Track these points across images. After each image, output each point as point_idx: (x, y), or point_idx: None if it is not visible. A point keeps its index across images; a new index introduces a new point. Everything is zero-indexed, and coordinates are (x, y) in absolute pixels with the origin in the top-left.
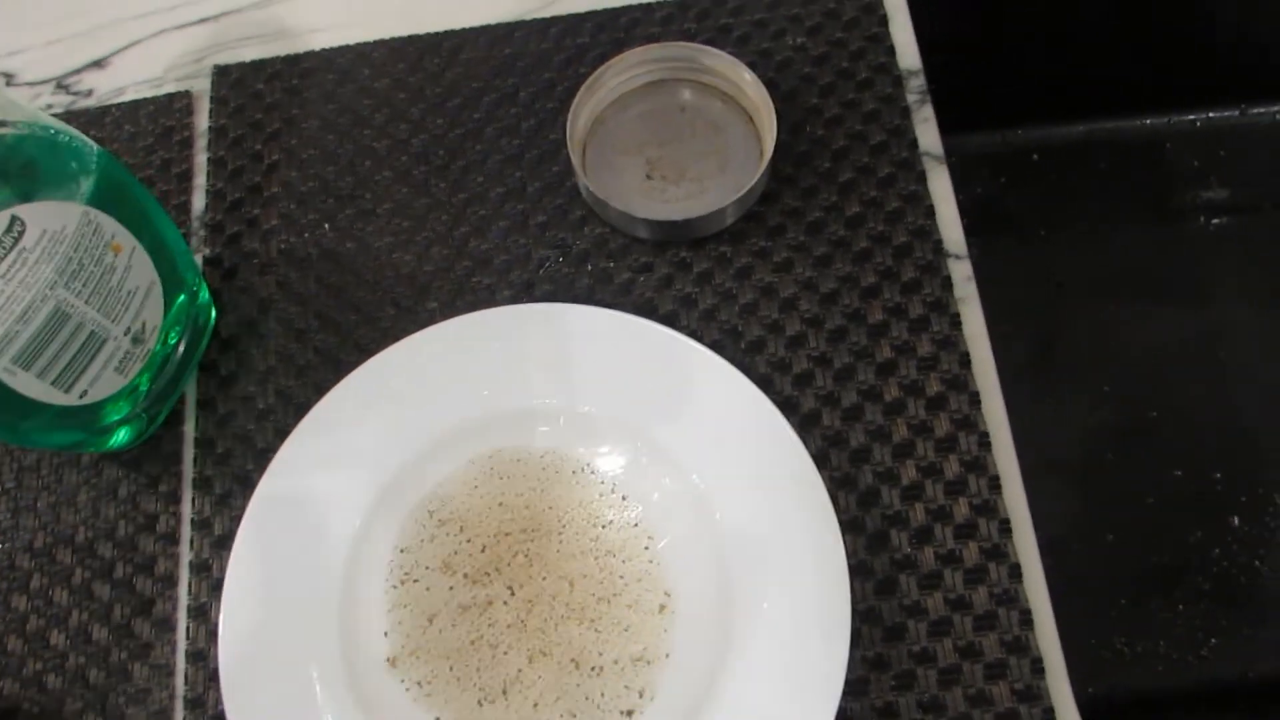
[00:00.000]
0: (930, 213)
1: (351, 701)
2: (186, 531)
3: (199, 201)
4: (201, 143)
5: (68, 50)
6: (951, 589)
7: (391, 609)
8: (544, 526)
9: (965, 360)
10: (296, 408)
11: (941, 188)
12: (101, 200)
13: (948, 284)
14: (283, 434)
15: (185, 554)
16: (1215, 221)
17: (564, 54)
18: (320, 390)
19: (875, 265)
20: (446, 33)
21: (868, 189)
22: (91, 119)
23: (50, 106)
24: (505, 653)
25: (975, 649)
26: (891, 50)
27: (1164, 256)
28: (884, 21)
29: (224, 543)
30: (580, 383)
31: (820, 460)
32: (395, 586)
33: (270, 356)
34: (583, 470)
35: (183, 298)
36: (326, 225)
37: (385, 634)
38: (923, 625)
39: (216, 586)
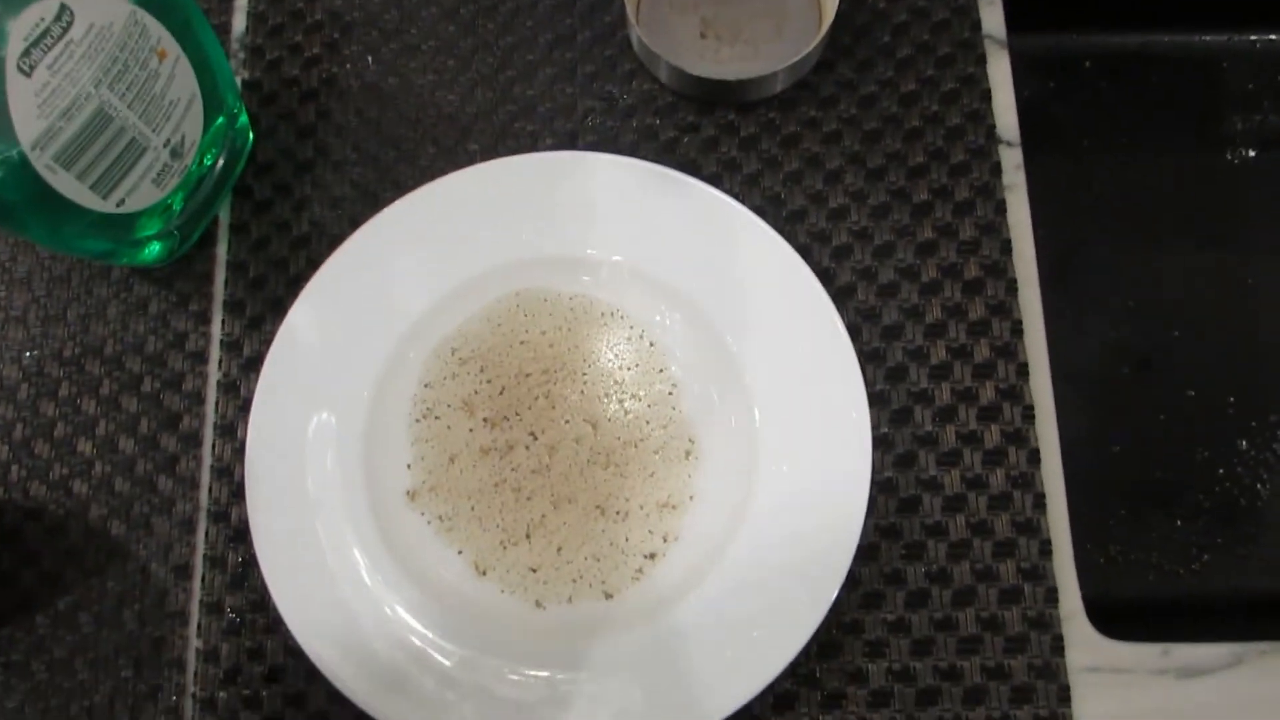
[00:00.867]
0: (986, 96)
1: (373, 526)
2: (215, 352)
3: (239, 23)
4: None
5: None
6: (970, 467)
7: (414, 443)
8: (567, 366)
9: (1006, 247)
10: (330, 239)
11: (1000, 73)
12: (149, 2)
13: (997, 170)
14: (315, 263)
15: (214, 373)
16: (1261, 151)
17: None
18: (355, 223)
19: (925, 145)
20: None
21: (925, 67)
22: None
23: None
24: (529, 498)
25: (986, 526)
26: None
27: (1204, 180)
28: None
29: (253, 365)
30: (617, 234)
31: (852, 333)
32: (418, 420)
33: (306, 185)
34: (613, 315)
35: (221, 119)
36: (369, 58)
37: (408, 466)
38: (938, 500)
39: (244, 407)
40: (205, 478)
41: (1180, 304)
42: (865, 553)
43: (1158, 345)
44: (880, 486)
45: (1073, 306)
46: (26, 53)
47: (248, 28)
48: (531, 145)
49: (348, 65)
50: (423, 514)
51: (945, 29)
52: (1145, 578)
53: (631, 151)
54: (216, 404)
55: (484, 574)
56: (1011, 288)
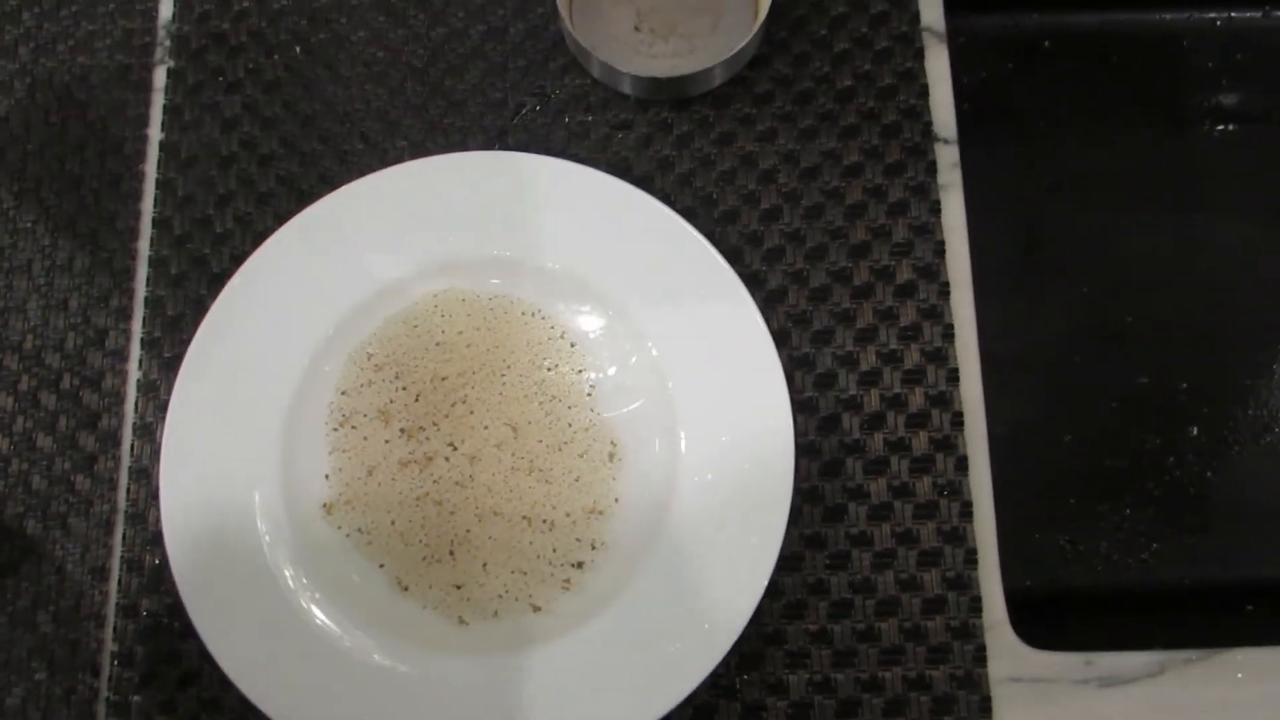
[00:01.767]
0: (924, 92)
1: (291, 538)
2: (135, 350)
3: (166, 9)
4: None
5: None
6: (897, 475)
7: (332, 452)
8: (486, 368)
9: (940, 249)
10: (255, 235)
11: (939, 67)
12: None
13: (932, 169)
14: (239, 260)
15: (133, 372)
16: (1221, 129)
17: None
18: (280, 219)
19: (861, 143)
20: None
21: (862, 62)
22: None
23: None
24: (452, 513)
25: (912, 535)
26: None
27: (1163, 161)
28: None
29: (173, 364)
30: (541, 236)
31: (781, 338)
32: (335, 429)
33: (231, 180)
34: (534, 315)
35: None
36: (298, 48)
37: (326, 477)
38: (864, 508)
39: (164, 408)
40: (123, 478)
41: (1138, 288)
42: (789, 562)
43: (1114, 331)
44: (806, 495)
45: (1029, 289)
46: None
47: (174, 14)
48: (461, 142)
49: (275, 55)
50: (340, 527)
51: (883, 22)
52: (1094, 567)
53: (562, 149)
54: (136, 404)
55: (406, 590)
56: (944, 291)
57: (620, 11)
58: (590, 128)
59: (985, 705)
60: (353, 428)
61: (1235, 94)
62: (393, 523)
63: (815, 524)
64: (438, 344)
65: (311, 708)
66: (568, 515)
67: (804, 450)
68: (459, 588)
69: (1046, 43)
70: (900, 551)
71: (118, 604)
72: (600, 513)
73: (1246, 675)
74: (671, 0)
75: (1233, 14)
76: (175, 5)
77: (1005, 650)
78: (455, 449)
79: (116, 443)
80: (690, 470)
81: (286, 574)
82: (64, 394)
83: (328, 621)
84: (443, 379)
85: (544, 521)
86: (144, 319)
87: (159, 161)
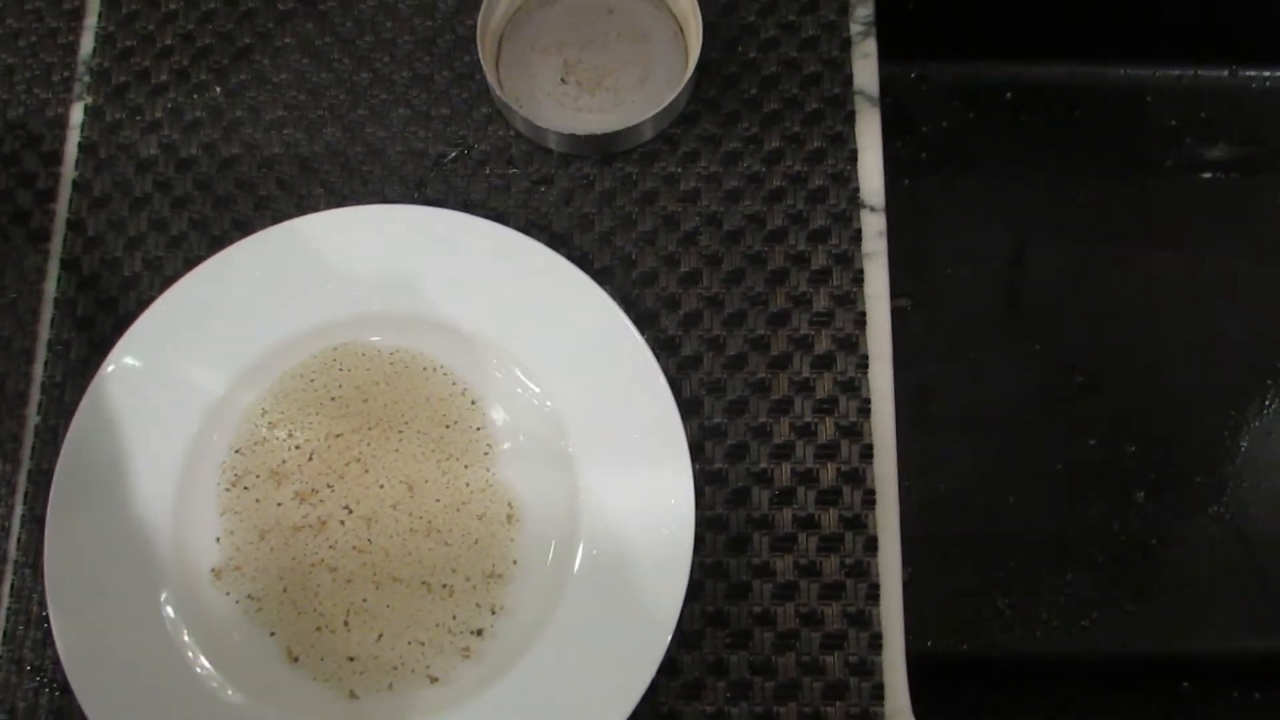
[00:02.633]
0: (853, 158)
1: (182, 599)
2: (36, 395)
3: (87, 44)
4: None
5: None
6: (804, 554)
7: (224, 514)
8: (383, 423)
9: (861, 320)
10: (164, 279)
11: (869, 132)
12: None
13: (857, 237)
14: (145, 304)
15: (32, 417)
16: (1183, 183)
17: None
18: (190, 263)
19: (786, 208)
20: None
21: (792, 124)
22: None
23: None
24: (349, 580)
25: (817, 617)
26: None
27: (1122, 216)
28: None
29: (74, 410)
30: (448, 292)
31: (693, 406)
32: (227, 490)
33: (142, 221)
34: (436, 370)
35: None
36: (218, 88)
37: (217, 540)
38: (768, 586)
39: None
40: (15, 526)
41: (1089, 348)
42: (689, 639)
43: (1060, 392)
44: (709, 570)
45: (979, 344)
46: None
47: (95, 49)
48: (379, 190)
49: (195, 95)
50: (228, 593)
51: (815, 83)
52: (1033, 632)
53: (482, 202)
54: (33, 450)
55: (296, 660)
56: (863, 364)
57: (547, 62)
58: (511, 180)
59: None
60: (245, 488)
61: (1199, 150)
62: (285, 590)
63: (718, 600)
64: (333, 399)
65: None
66: (467, 579)
67: (710, 524)
68: (352, 659)
69: (1009, 94)
70: (804, 633)
71: (3, 657)
72: (499, 576)
73: None
74: (599, 53)
75: (1199, 71)
76: (96, 40)
77: None
78: (351, 511)
79: (12, 489)
80: (590, 538)
81: (180, 638)
82: None
83: (219, 687)
84: (337, 435)
85: (444, 586)
86: (46, 362)
87: (70, 200)
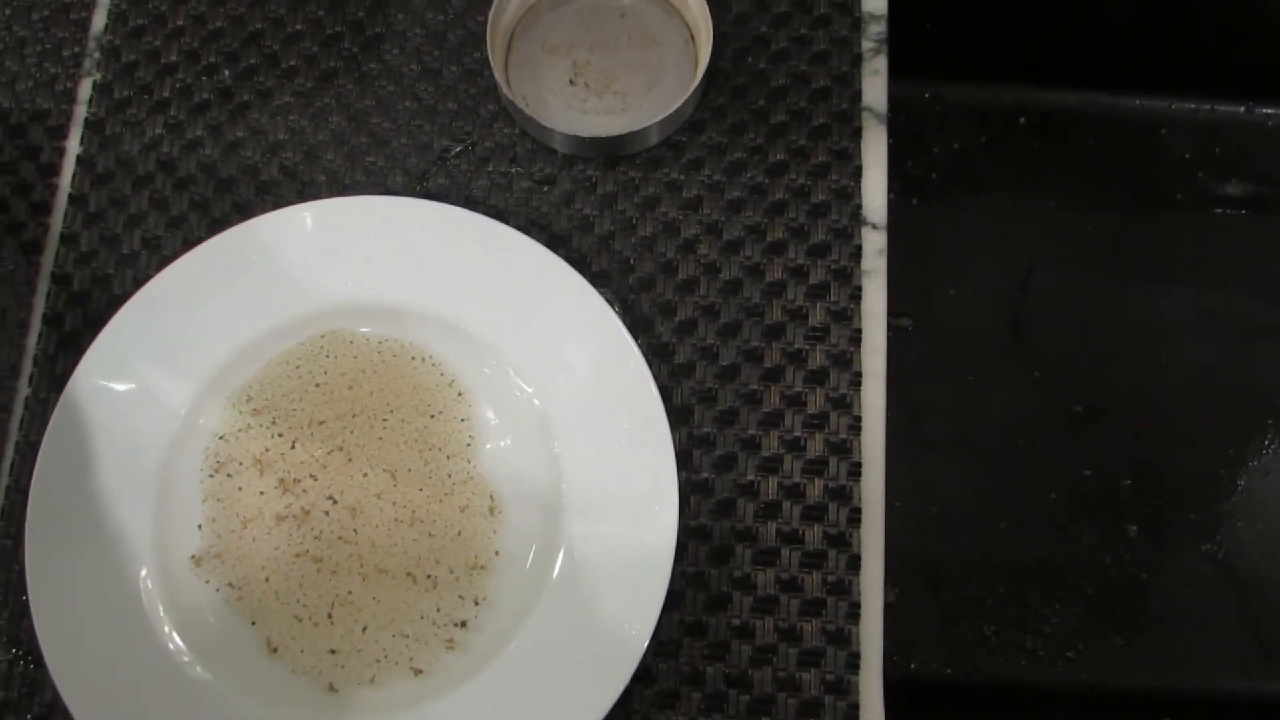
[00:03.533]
0: (857, 174)
1: (160, 587)
2: (28, 367)
3: (99, 20)
4: None
5: None
6: (787, 568)
7: (206, 500)
8: (367, 411)
9: (856, 337)
10: (161, 259)
11: (875, 149)
12: None
13: (857, 254)
14: (141, 282)
15: (23, 389)
16: (1194, 217)
17: None
18: (189, 244)
19: (787, 220)
20: None
21: (798, 137)
22: None
23: None
24: (334, 571)
25: (796, 633)
26: None
27: (1130, 247)
28: None
29: (64, 382)
30: (443, 286)
31: (683, 415)
32: (210, 476)
33: (143, 200)
34: (424, 360)
35: None
36: (227, 71)
37: (199, 527)
38: (749, 599)
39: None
40: (0, 497)
41: (1090, 377)
42: (666, 648)
43: (1057, 420)
44: (690, 580)
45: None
46: None
47: (107, 26)
48: (381, 181)
49: (204, 76)
50: (208, 581)
51: (825, 97)
52: (1017, 661)
53: (483, 199)
54: (21, 421)
55: (275, 652)
56: (855, 381)
57: (556, 63)
58: (513, 179)
59: None
60: (228, 475)
61: (1212, 185)
62: (267, 580)
63: (697, 610)
64: (318, 385)
65: None
66: (451, 571)
67: (694, 533)
68: (334, 652)
69: (1022, 118)
70: (781, 648)
71: None
72: (482, 568)
73: None
74: (609, 56)
75: (1216, 106)
76: (109, 17)
77: None
78: (335, 502)
79: None
80: (571, 540)
81: (157, 619)
82: None
83: (192, 666)
84: (320, 423)
85: (428, 578)
86: (40, 335)
87: (73, 175)
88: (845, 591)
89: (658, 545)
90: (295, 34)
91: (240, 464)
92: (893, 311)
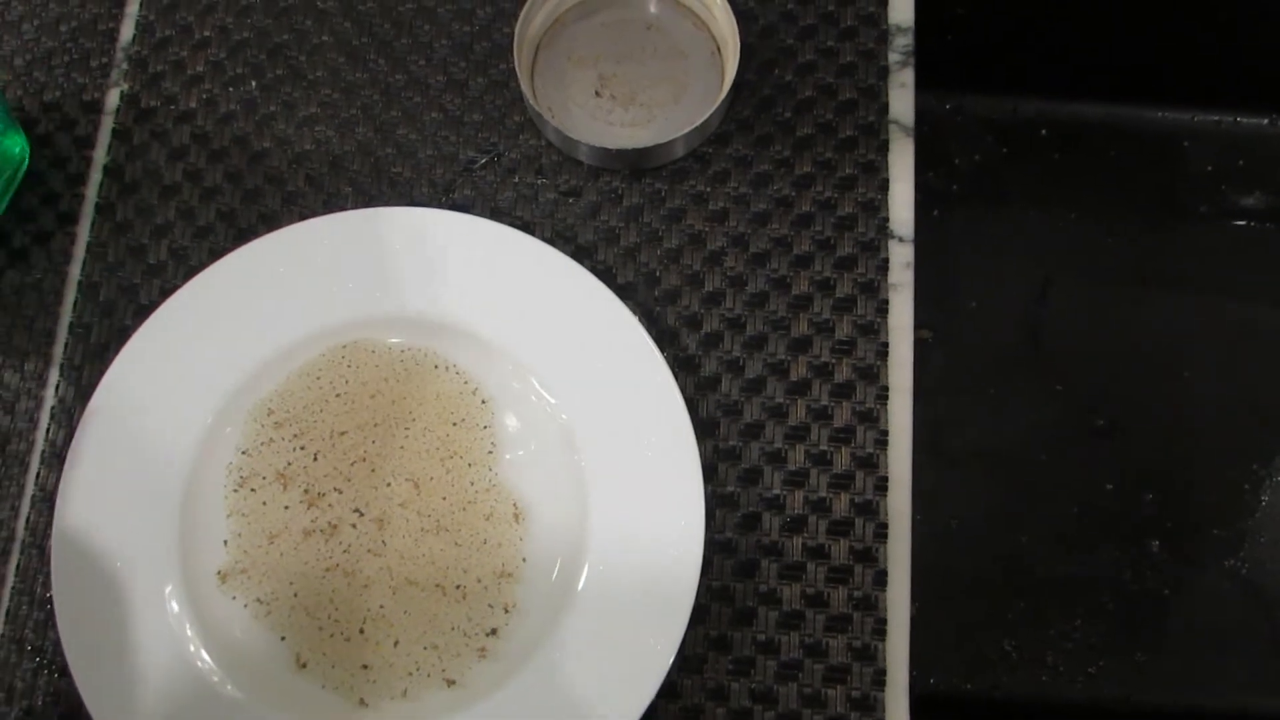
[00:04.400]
0: (884, 187)
1: (187, 604)
2: (54, 375)
3: (127, 31)
4: None
5: None
6: (812, 583)
7: (230, 516)
8: (389, 420)
9: (883, 351)
10: (188, 269)
11: (902, 162)
12: None
13: (884, 267)
14: (168, 293)
15: (50, 398)
16: (1217, 230)
17: None
18: (215, 254)
19: (814, 233)
20: None
21: (824, 149)
22: None
23: None
24: (365, 585)
25: (821, 648)
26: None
27: (1152, 260)
28: None
29: (90, 394)
30: (468, 297)
31: (708, 428)
32: (235, 490)
33: (170, 210)
34: (447, 368)
35: None
36: (254, 82)
37: (225, 543)
38: (774, 614)
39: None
40: (25, 506)
41: (1114, 391)
42: (690, 664)
43: (1080, 434)
44: (715, 594)
45: (1001, 380)
46: None
47: (134, 37)
48: (407, 192)
49: (230, 88)
50: (235, 597)
51: (851, 109)
52: (1038, 677)
53: (508, 210)
54: (48, 430)
55: (304, 667)
56: (882, 395)
57: (582, 74)
58: (539, 190)
59: None
60: (251, 490)
61: (1235, 197)
62: (295, 595)
63: (722, 625)
64: (338, 395)
65: None
66: (479, 580)
67: (720, 548)
68: (366, 667)
69: (1044, 130)
70: (807, 664)
71: (3, 635)
72: (509, 575)
73: None
74: (635, 68)
75: (1239, 118)
76: (136, 29)
77: None
78: (361, 514)
79: (24, 468)
80: (597, 553)
81: (183, 633)
82: None
83: (220, 683)
84: (341, 433)
85: (457, 588)
86: (66, 344)
87: (100, 185)
88: (872, 607)
89: (683, 559)
90: (321, 45)
91: (264, 478)
92: (913, 323)
